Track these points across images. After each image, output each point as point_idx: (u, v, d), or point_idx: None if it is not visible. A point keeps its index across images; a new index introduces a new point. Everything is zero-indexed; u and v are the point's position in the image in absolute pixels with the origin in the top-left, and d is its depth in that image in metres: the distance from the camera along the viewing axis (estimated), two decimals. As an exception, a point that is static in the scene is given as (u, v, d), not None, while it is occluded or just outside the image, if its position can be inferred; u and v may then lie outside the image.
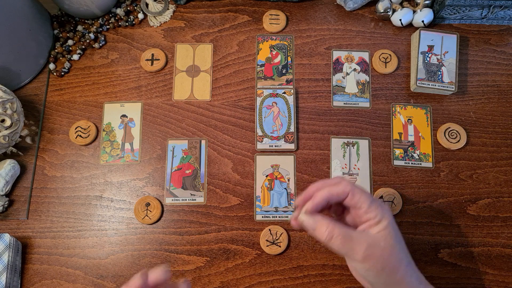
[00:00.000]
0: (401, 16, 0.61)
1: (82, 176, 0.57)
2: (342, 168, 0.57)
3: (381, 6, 0.62)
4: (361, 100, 0.60)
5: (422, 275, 0.41)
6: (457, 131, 0.58)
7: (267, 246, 0.54)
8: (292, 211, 0.55)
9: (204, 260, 0.54)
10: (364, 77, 0.61)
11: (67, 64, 0.62)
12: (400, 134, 0.59)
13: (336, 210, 0.44)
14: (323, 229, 0.38)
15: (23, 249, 0.54)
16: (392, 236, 0.39)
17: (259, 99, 0.59)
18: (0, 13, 0.51)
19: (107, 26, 0.64)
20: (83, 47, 0.62)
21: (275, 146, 0.57)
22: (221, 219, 0.55)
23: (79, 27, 0.63)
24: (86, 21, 0.64)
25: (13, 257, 0.51)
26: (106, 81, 0.61)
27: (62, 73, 0.61)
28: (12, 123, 0.53)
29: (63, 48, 0.62)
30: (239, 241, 0.54)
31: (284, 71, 0.61)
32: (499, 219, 0.55)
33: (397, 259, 0.39)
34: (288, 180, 0.57)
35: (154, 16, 0.64)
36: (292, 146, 0.57)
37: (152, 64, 0.61)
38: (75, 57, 0.62)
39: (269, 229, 0.54)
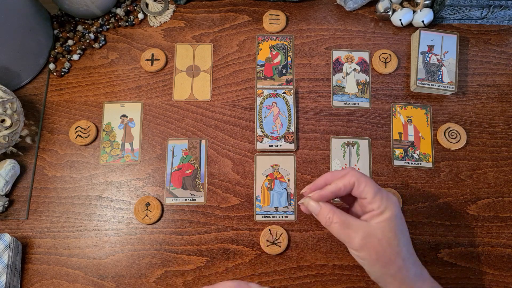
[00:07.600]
0: (401, 16, 0.61)
1: (82, 176, 0.57)
2: (342, 168, 0.57)
3: (381, 6, 0.62)
4: (361, 100, 0.60)
5: (425, 270, 0.41)
6: (457, 131, 0.58)
7: (267, 246, 0.54)
8: (292, 211, 0.55)
9: (204, 260, 0.54)
10: (364, 77, 0.61)
11: (67, 64, 0.62)
12: (400, 134, 0.59)
13: (346, 199, 0.45)
14: (324, 213, 0.41)
15: (23, 249, 0.54)
16: (391, 228, 0.39)
17: (259, 99, 0.59)
18: (0, 13, 0.51)
19: (107, 26, 0.64)
20: (83, 47, 0.62)
21: (275, 146, 0.57)
22: (221, 219, 0.55)
23: (79, 27, 0.63)
24: (86, 21, 0.64)
25: (13, 257, 0.51)
26: (106, 81, 0.61)
27: (62, 73, 0.61)
28: (12, 123, 0.53)
29: (63, 48, 0.62)
30: (239, 241, 0.54)
31: (284, 71, 0.61)
32: (499, 219, 0.55)
33: (394, 252, 0.39)
34: (288, 180, 0.57)
35: (154, 16, 0.64)
36: (292, 146, 0.57)
37: (152, 64, 0.61)
38: (75, 57, 0.62)
39: (269, 229, 0.54)
